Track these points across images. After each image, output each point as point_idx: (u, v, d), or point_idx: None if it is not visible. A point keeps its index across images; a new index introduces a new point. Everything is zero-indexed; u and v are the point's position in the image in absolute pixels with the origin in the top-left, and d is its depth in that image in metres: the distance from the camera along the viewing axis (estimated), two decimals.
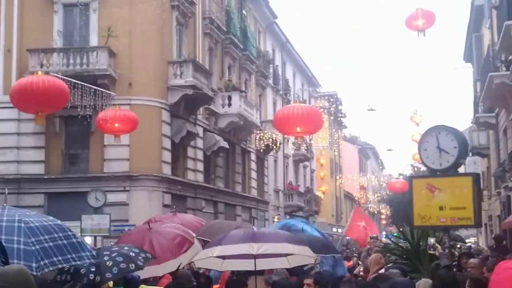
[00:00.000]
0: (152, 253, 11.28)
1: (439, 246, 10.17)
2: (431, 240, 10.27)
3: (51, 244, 6.80)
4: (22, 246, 6.55)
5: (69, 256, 6.92)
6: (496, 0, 26.64)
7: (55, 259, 6.75)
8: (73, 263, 7.10)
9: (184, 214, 21.20)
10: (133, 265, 10.63)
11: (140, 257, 10.98)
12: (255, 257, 10.04)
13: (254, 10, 43.61)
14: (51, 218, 7.42)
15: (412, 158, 47.50)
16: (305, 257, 10.83)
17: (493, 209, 35.18)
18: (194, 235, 12.99)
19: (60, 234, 7.00)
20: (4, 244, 5.83)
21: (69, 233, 7.19)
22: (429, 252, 10.36)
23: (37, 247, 6.64)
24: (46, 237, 6.81)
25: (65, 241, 6.98)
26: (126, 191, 26.44)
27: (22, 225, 6.77)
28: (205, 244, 12.13)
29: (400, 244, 12.84)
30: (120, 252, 9.53)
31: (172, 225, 13.46)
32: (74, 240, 7.16)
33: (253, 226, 10.75)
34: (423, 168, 52.98)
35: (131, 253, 11.02)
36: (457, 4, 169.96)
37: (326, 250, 13.88)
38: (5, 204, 7.36)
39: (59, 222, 7.34)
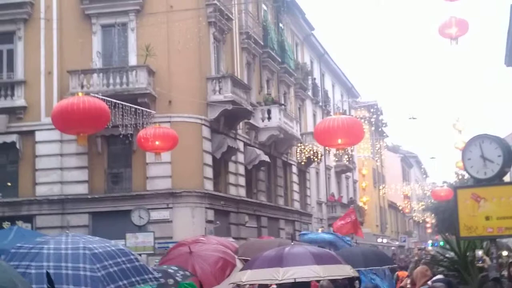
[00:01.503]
0: (195, 279, 11.28)
1: (487, 258, 9.98)
2: (479, 253, 10.09)
3: (115, 268, 6.90)
4: (88, 273, 6.65)
5: (133, 279, 7.03)
6: None
7: (120, 283, 6.85)
8: (138, 286, 7.17)
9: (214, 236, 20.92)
10: (171, 280, 10.66)
11: (178, 274, 11.03)
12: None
13: (290, 22, 43.61)
14: (113, 243, 7.56)
15: (455, 166, 46.89)
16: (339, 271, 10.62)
17: None
18: (236, 256, 12.87)
19: (123, 258, 7.11)
20: (71, 271, 5.92)
21: (131, 257, 7.30)
22: (478, 264, 10.18)
23: (103, 272, 6.74)
24: (111, 262, 6.92)
25: (128, 265, 7.08)
26: (169, 208, 26.50)
27: (87, 252, 6.89)
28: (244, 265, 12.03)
29: (447, 255, 12.65)
30: (158, 268, 9.59)
31: (212, 247, 13.34)
32: (137, 263, 7.27)
33: (292, 243, 10.56)
34: (467, 176, 52.33)
35: (169, 270, 11.07)
36: (495, 7, 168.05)
37: (381, 262, 13.77)
38: (67, 231, 7.45)
39: (121, 246, 7.49)
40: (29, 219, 26.44)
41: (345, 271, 10.43)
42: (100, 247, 7.07)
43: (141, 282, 7.13)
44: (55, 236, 7.32)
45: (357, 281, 16.62)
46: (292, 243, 10.79)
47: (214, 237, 18.58)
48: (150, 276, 7.34)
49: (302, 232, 33.51)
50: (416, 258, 34.35)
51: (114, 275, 6.81)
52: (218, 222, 27.90)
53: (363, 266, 14.03)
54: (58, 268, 6.63)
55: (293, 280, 9.82)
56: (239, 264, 12.53)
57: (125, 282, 6.89)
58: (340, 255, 11.37)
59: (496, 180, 10.26)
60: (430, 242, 77.09)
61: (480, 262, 10.00)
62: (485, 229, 10.03)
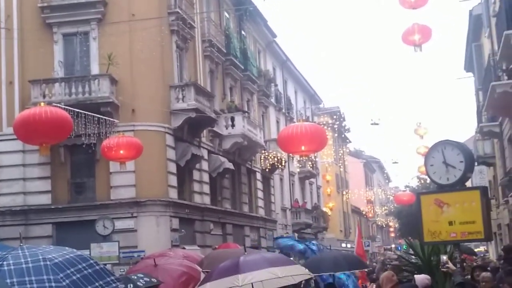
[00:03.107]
0: None
1: (451, 264, 10.13)
2: (444, 258, 10.23)
3: (78, 275, 6.87)
4: (53, 284, 6.61)
5: (97, 284, 7.00)
6: (495, 9, 26.70)
7: None
8: None
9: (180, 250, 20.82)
10: (131, 285, 10.64)
11: (142, 280, 11.02)
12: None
13: (253, 30, 43.73)
14: (69, 249, 7.46)
15: (418, 171, 47.44)
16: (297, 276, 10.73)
17: (502, 218, 35.04)
18: (200, 269, 12.86)
19: (84, 264, 7.08)
20: (36, 285, 5.86)
21: (91, 261, 7.28)
22: (442, 269, 10.32)
23: (67, 281, 6.70)
24: (72, 269, 6.88)
25: (89, 270, 7.06)
26: (133, 217, 26.39)
27: (48, 262, 6.82)
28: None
29: (412, 260, 12.80)
30: (119, 276, 9.55)
31: (178, 261, 13.33)
32: (97, 267, 7.26)
33: (243, 254, 10.63)
34: (429, 180, 52.94)
35: (132, 277, 11.05)
36: (455, 14, 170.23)
37: (353, 265, 13.85)
38: (21, 244, 7.36)
39: (78, 252, 7.40)
40: None
41: (301, 270, 10.56)
42: (59, 255, 7.01)
43: (105, 285, 7.09)
44: (10, 251, 7.20)
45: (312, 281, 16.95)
46: (245, 253, 10.84)
47: (181, 250, 18.52)
48: (113, 278, 7.32)
49: (277, 236, 33.73)
50: (382, 258, 34.68)
51: (78, 282, 6.77)
52: (183, 230, 27.85)
53: (333, 271, 14.18)
54: (23, 284, 6.56)
55: (250, 285, 9.85)
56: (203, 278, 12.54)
57: (89, 287, 6.87)
58: (310, 261, 11.49)
59: (459, 185, 10.40)
60: (393, 246, 77.79)
61: (445, 267, 10.14)
62: (448, 234, 10.17)
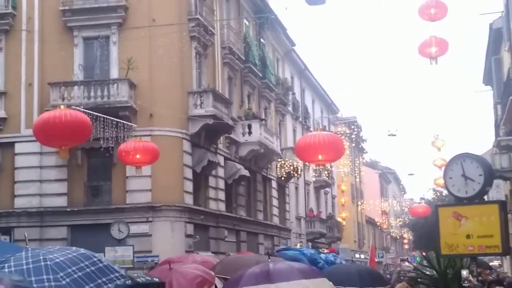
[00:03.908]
0: None
1: (472, 279, 10.08)
2: (464, 273, 10.18)
3: (80, 274, 6.83)
4: (53, 283, 6.58)
5: (99, 281, 6.96)
6: None
7: (87, 287, 6.78)
8: (105, 286, 7.11)
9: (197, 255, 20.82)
10: (129, 281, 10.64)
11: (142, 278, 11.04)
12: None
13: (272, 38, 43.80)
14: (74, 248, 7.45)
15: (434, 183, 47.18)
16: None
17: None
18: (213, 274, 12.85)
19: (86, 262, 7.03)
20: (35, 285, 5.83)
21: (94, 259, 7.21)
22: (464, 285, 10.26)
23: (67, 280, 6.67)
24: (74, 268, 6.84)
25: (92, 268, 7.01)
26: (148, 222, 26.44)
27: (48, 262, 6.79)
28: (225, 282, 12.01)
29: (427, 272, 12.73)
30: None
31: (193, 265, 13.36)
32: (101, 264, 7.19)
33: (269, 261, 10.53)
34: (445, 192, 52.70)
35: (134, 274, 11.07)
36: (475, 27, 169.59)
37: (376, 282, 13.74)
38: (27, 246, 7.39)
39: (82, 250, 7.36)
40: (7, 231, 26.14)
41: (329, 284, 10.47)
42: (61, 255, 6.97)
43: (108, 282, 7.06)
44: (15, 253, 7.23)
45: None
46: (269, 260, 10.74)
47: (199, 255, 18.47)
48: (117, 274, 7.24)
49: (279, 248, 33.54)
50: (398, 268, 34.61)
51: (80, 280, 6.73)
52: (197, 236, 27.86)
53: (358, 286, 13.99)
54: None
55: None
56: (218, 284, 12.51)
57: (91, 285, 6.82)
58: (334, 273, 11.39)
59: (477, 198, 10.34)
60: (406, 258, 77.37)
61: (466, 282, 10.10)
62: (466, 247, 10.10)
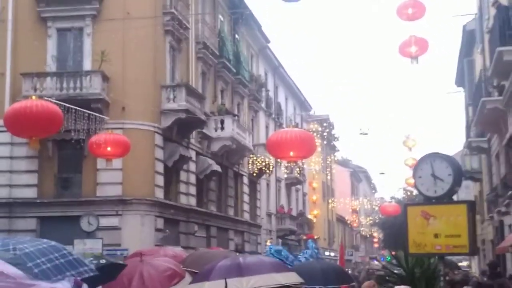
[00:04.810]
0: (141, 283, 11.32)
1: None
2: None
3: (48, 265, 6.82)
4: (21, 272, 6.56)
5: (67, 274, 6.95)
6: (488, 25, 26.85)
7: (54, 278, 6.76)
8: (73, 279, 7.11)
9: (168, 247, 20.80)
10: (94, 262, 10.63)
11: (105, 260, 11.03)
12: None
13: (246, 34, 43.77)
14: (45, 240, 7.44)
15: (405, 182, 47.52)
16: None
17: (486, 234, 35.21)
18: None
19: (56, 254, 7.02)
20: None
21: (64, 251, 7.22)
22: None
23: (36, 270, 6.65)
24: (43, 259, 6.83)
25: (62, 260, 7.00)
26: (118, 215, 26.35)
27: (18, 252, 6.78)
28: (195, 275, 12.02)
29: (394, 271, 12.83)
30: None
31: (164, 258, 13.39)
32: (70, 257, 7.19)
33: (238, 255, 10.56)
34: (415, 192, 53.06)
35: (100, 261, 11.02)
36: (449, 29, 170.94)
37: (341, 280, 13.76)
38: None
39: (53, 243, 7.36)
40: None
41: (298, 278, 10.54)
42: (31, 245, 6.96)
43: (77, 275, 7.08)
44: None
45: None
46: (239, 255, 10.77)
47: (171, 249, 18.40)
48: (86, 268, 7.27)
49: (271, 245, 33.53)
50: (367, 267, 34.86)
51: (48, 272, 6.74)
52: (167, 230, 27.84)
53: (322, 284, 13.97)
54: None
55: None
56: (188, 277, 12.52)
57: (59, 277, 6.83)
58: (298, 270, 11.41)
59: (446, 198, 10.45)
60: (375, 257, 77.85)
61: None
62: (433, 246, 10.20)
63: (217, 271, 9.97)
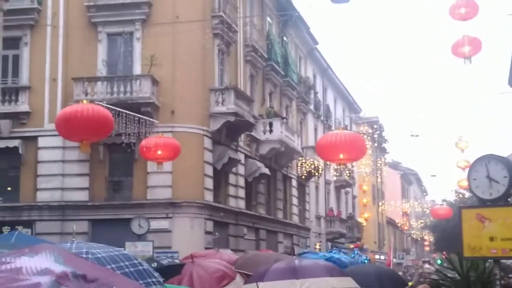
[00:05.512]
0: (190, 284, 11.37)
1: None
2: None
3: (118, 272, 6.90)
4: None
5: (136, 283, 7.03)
6: None
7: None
8: None
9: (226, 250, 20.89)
10: (155, 263, 10.74)
11: (166, 261, 11.15)
12: None
13: (295, 36, 43.71)
14: (117, 248, 7.60)
15: (457, 185, 46.75)
16: None
17: None
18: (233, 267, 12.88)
19: (127, 263, 7.15)
20: None
21: (135, 261, 7.37)
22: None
23: None
24: (113, 266, 6.95)
25: (131, 269, 7.12)
26: (168, 218, 26.48)
27: (90, 256, 6.91)
28: (246, 278, 11.99)
29: (448, 274, 12.60)
30: None
31: (215, 260, 13.44)
32: (140, 267, 7.32)
33: (294, 258, 10.50)
34: (467, 194, 52.33)
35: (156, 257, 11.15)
36: (502, 28, 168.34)
37: (395, 284, 13.59)
38: (73, 239, 7.50)
39: (125, 251, 7.54)
40: (29, 224, 26.40)
41: (353, 283, 10.41)
42: (103, 251, 7.15)
43: (145, 285, 7.15)
44: (61, 243, 7.35)
45: None
46: (294, 257, 10.71)
47: (226, 254, 18.33)
48: (154, 279, 7.37)
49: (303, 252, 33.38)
50: (420, 270, 34.43)
51: None
52: (217, 233, 27.85)
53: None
54: None
55: None
56: (238, 279, 12.53)
57: None
58: (352, 274, 11.29)
59: (502, 201, 10.23)
60: (427, 260, 76.96)
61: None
62: (489, 249, 9.99)
63: (272, 273, 9.93)
